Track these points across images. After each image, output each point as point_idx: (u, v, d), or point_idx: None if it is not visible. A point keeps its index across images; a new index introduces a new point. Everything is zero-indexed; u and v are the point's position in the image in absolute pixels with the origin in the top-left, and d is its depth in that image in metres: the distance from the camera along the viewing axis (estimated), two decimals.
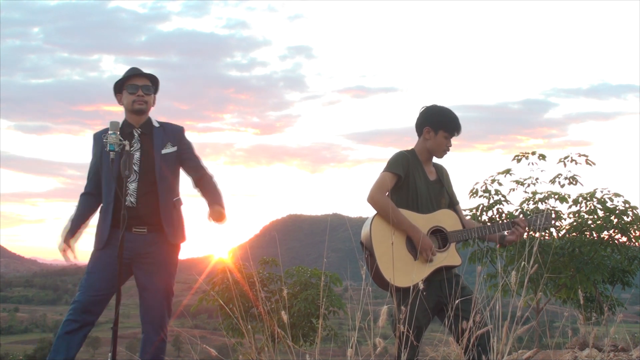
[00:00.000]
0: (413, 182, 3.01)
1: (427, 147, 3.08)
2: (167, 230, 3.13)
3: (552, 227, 7.74)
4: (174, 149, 3.21)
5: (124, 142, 2.91)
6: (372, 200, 2.92)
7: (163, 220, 3.11)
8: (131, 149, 3.09)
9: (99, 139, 3.15)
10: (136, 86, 3.15)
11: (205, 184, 3.27)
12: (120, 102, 3.22)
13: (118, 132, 2.89)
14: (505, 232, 3.13)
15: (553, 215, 3.25)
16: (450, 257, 2.96)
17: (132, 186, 3.08)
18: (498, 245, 3.14)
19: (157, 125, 3.23)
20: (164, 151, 3.17)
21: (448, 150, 3.10)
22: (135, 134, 3.15)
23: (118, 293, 2.92)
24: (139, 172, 3.09)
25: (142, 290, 3.11)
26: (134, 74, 3.19)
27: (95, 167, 3.21)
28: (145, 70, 3.22)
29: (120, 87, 3.20)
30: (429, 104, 3.15)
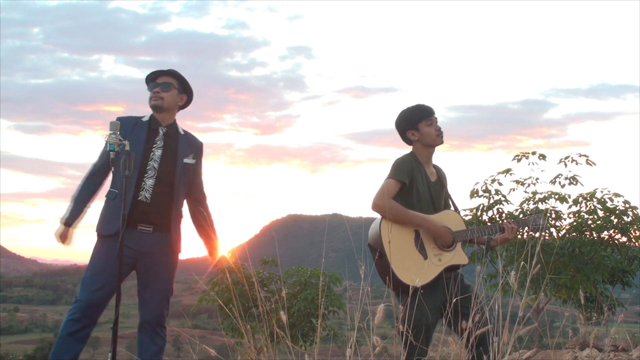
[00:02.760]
0: (416, 185, 3.02)
1: (423, 144, 3.09)
2: (174, 236, 3.14)
3: (546, 228, 7.74)
4: (194, 161, 3.23)
5: (124, 142, 2.91)
6: (377, 207, 2.93)
7: (172, 226, 3.13)
8: (154, 145, 3.11)
9: (123, 125, 3.06)
10: (155, 84, 3.17)
11: (204, 222, 3.28)
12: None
13: (118, 132, 2.88)
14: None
15: (545, 218, 3.26)
16: (457, 256, 2.97)
17: (149, 182, 3.06)
18: (484, 247, 3.14)
19: (182, 132, 3.25)
20: (185, 160, 3.18)
21: (441, 132, 3.10)
22: (160, 132, 3.16)
23: (118, 293, 2.91)
24: (158, 170, 3.08)
25: (142, 288, 3.10)
26: (156, 73, 3.21)
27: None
28: (145, 71, 3.25)
29: (148, 86, 3.23)
30: (397, 115, 3.17)
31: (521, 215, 7.73)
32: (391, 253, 2.83)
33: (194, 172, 3.25)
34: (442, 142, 3.12)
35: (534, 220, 3.10)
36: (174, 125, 3.23)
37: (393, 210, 2.88)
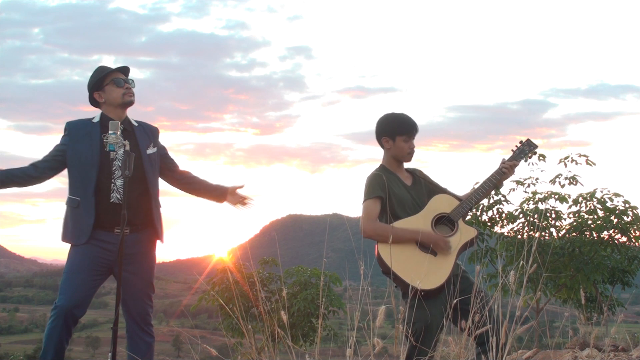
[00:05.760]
0: (394, 194, 3.03)
1: (392, 155, 3.12)
2: (158, 229, 3.16)
3: (546, 228, 7.73)
4: (155, 149, 3.22)
5: (124, 142, 2.90)
6: (366, 233, 2.96)
7: (150, 222, 3.14)
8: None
9: (75, 129, 3.10)
10: (121, 79, 3.13)
11: (188, 173, 3.36)
12: (99, 99, 3.15)
13: (119, 132, 2.88)
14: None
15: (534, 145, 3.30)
16: (465, 233, 2.97)
17: (119, 183, 3.03)
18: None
19: (135, 124, 3.22)
20: (148, 151, 3.16)
21: (412, 152, 3.11)
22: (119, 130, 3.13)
23: (118, 293, 2.92)
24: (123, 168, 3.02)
25: (124, 290, 3.04)
26: (111, 70, 3.15)
27: (60, 155, 3.07)
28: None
29: (100, 84, 3.13)
30: (382, 115, 3.17)
31: (521, 216, 7.73)
32: (401, 269, 2.84)
33: (163, 158, 3.26)
34: (409, 161, 3.15)
35: (528, 145, 3.14)
36: (127, 119, 3.19)
37: (381, 233, 2.89)
